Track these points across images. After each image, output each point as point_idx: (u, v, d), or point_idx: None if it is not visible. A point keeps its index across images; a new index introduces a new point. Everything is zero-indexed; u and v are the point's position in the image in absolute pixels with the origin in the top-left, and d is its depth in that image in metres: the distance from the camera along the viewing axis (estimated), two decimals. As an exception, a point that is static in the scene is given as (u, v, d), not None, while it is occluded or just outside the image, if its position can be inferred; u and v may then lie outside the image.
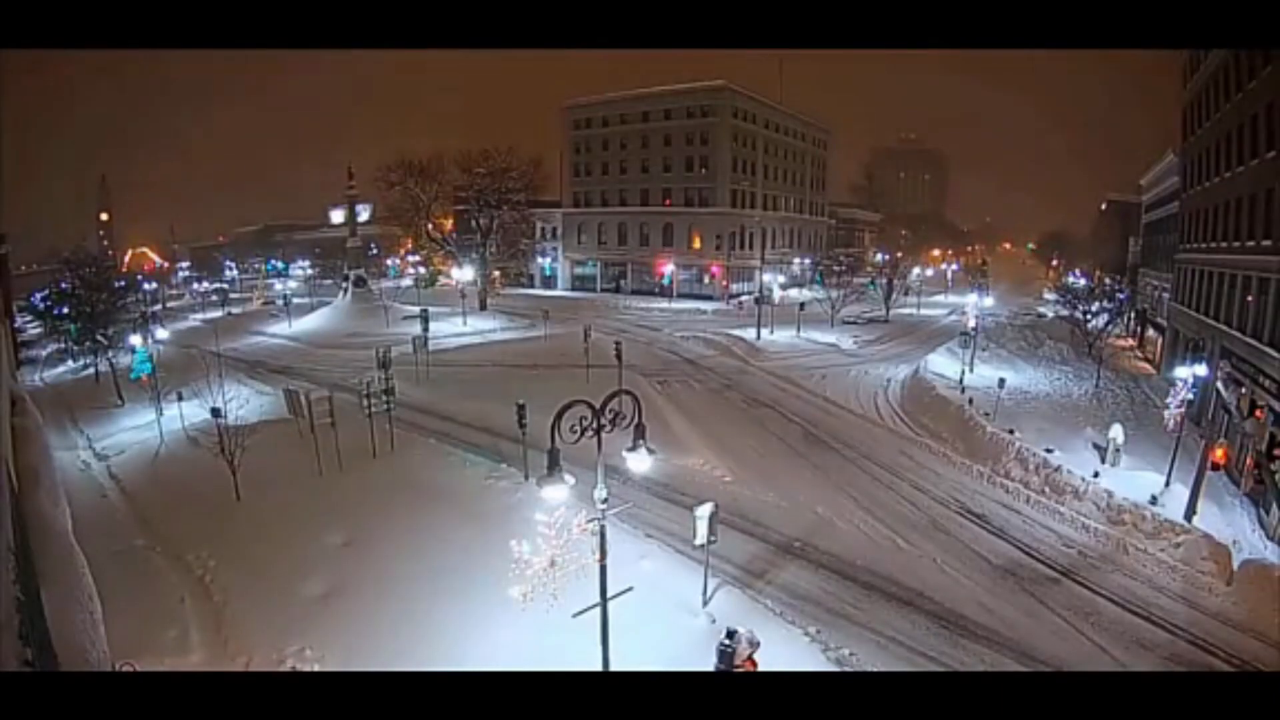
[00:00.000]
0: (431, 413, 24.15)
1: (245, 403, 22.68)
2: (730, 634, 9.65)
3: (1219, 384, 19.55)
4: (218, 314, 59.68)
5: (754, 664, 9.54)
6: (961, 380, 28.40)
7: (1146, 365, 36.63)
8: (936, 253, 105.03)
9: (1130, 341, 42.92)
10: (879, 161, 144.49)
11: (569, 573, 10.22)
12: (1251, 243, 21.38)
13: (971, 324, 31.83)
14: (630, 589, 9.67)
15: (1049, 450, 20.10)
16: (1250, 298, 21.21)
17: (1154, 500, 17.27)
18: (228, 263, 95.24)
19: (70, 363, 36.33)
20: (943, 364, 32.16)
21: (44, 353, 40.65)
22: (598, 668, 9.10)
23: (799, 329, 41.30)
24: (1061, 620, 12.84)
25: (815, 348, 38.28)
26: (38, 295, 41.74)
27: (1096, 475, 18.68)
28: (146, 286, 66.64)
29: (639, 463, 8.65)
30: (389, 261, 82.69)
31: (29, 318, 43.72)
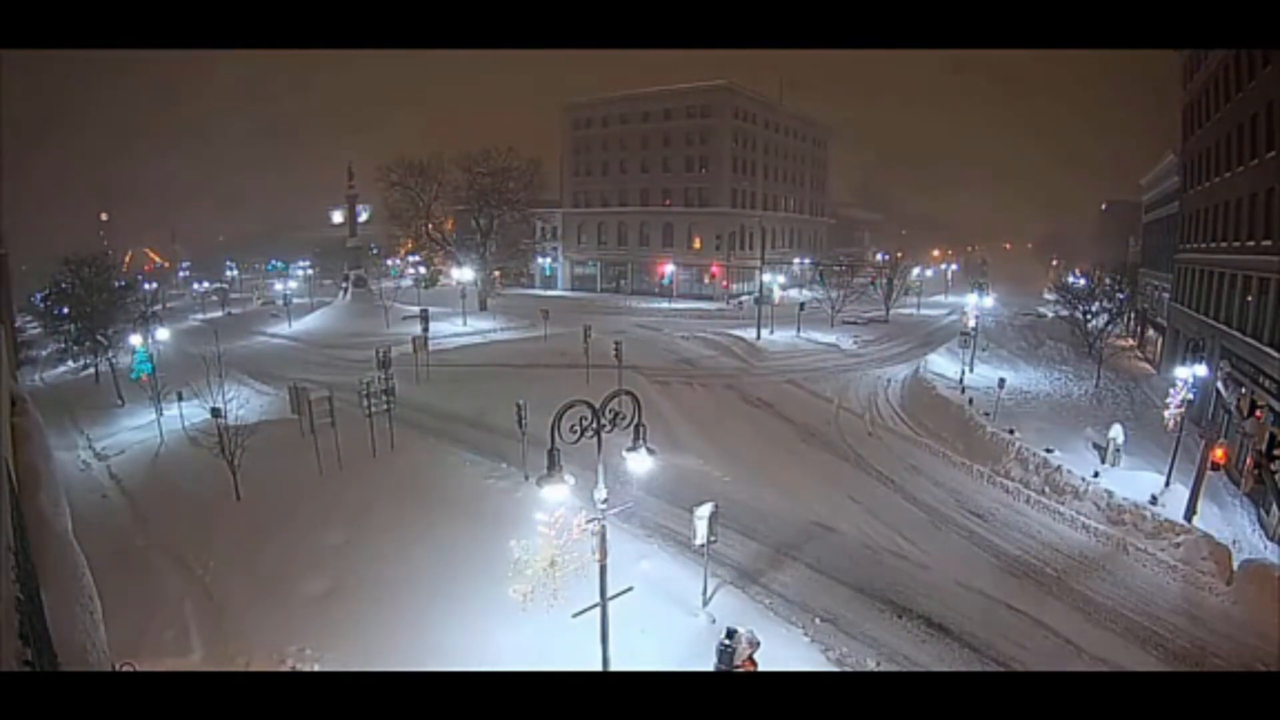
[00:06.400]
0: (431, 412, 24.14)
1: (245, 403, 22.66)
2: (730, 634, 9.65)
3: (1219, 384, 19.53)
4: (218, 314, 59.74)
5: (754, 664, 9.54)
6: (961, 380, 28.39)
7: (1146, 365, 36.62)
8: (936, 252, 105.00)
9: (1130, 341, 42.91)
10: (879, 161, 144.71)
11: (569, 573, 10.23)
12: (1251, 243, 21.38)
13: (971, 324, 31.82)
14: (630, 589, 9.68)
15: (1049, 450, 20.10)
16: (1250, 298, 21.20)
17: (1154, 500, 17.27)
18: (228, 262, 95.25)
19: (70, 363, 36.27)
20: (943, 364, 32.17)
21: (44, 353, 40.60)
22: (598, 668, 9.10)
23: (799, 329, 41.30)
24: (1061, 620, 12.83)
25: (815, 348, 38.28)
26: (38, 295, 41.69)
27: (1096, 475, 18.68)
28: (146, 286, 66.59)
29: (639, 462, 8.66)
30: (389, 261, 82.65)
31: (29, 318, 43.72)
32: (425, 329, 34.02)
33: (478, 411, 23.74)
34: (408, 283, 67.72)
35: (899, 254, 76.67)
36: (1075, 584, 14.15)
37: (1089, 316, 37.92)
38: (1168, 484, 18.13)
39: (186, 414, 23.38)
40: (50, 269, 36.03)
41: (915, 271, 64.74)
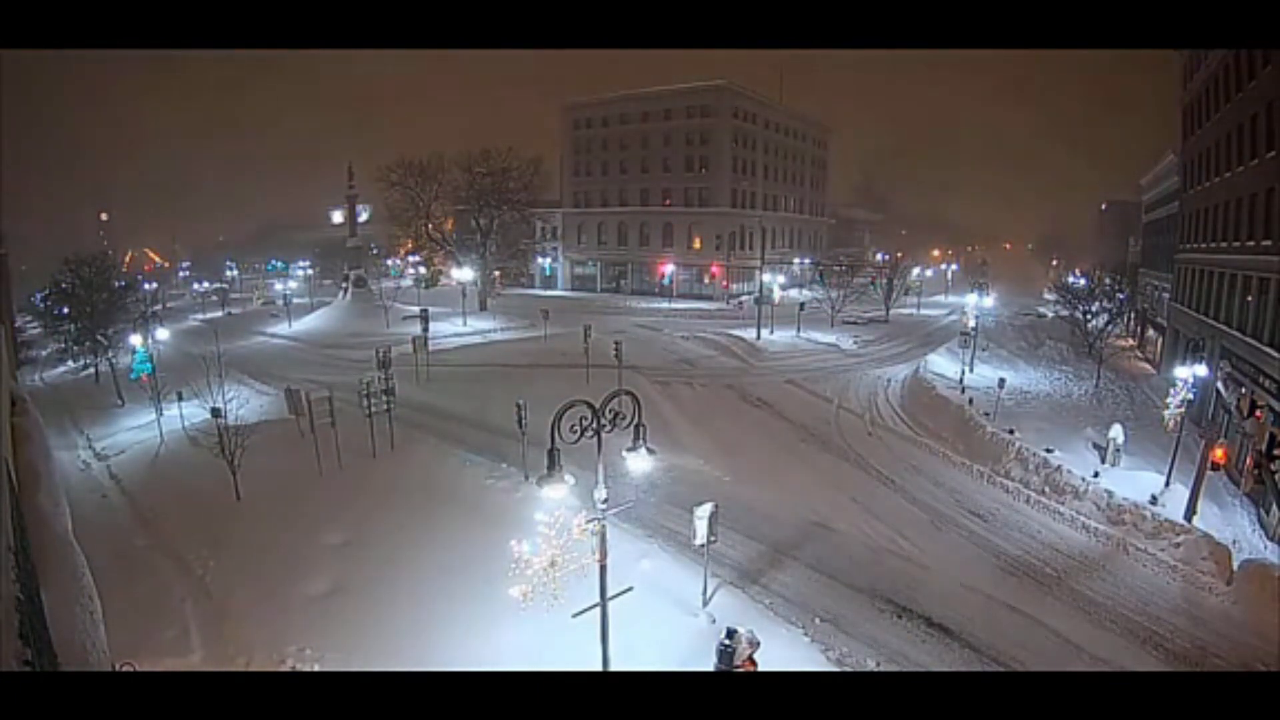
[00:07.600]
0: (432, 412, 24.14)
1: (245, 403, 22.67)
2: (730, 634, 9.65)
3: (1219, 384, 19.54)
4: (218, 314, 59.74)
5: (754, 664, 9.54)
6: (961, 380, 28.39)
7: (1146, 365, 36.62)
8: (936, 253, 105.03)
9: (1130, 341, 42.91)
10: (879, 161, 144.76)
11: (569, 573, 10.21)
12: (1251, 243, 21.37)
13: (971, 324, 31.81)
14: (630, 589, 9.69)
15: (1049, 450, 20.09)
16: (1250, 298, 21.20)
17: (1154, 500, 17.26)
18: (228, 262, 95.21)
19: (70, 363, 36.29)
20: (943, 364, 32.16)
21: (44, 353, 40.63)
22: (598, 668, 9.10)
23: (799, 329, 41.29)
24: (1061, 620, 12.83)
25: (815, 348, 38.27)
26: (38, 295, 41.73)
27: (1096, 475, 18.67)
28: (146, 286, 66.54)
29: (639, 462, 8.65)
30: (389, 261, 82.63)
31: (29, 318, 43.75)
32: (425, 329, 34.01)
33: (478, 411, 23.74)
34: (408, 283, 67.72)
35: (899, 254, 76.61)
36: (1075, 584, 14.15)
37: (1089, 316, 37.92)
38: (1168, 484, 18.12)
39: (186, 414, 23.38)
40: (50, 269, 36.06)
41: (915, 271, 64.76)
